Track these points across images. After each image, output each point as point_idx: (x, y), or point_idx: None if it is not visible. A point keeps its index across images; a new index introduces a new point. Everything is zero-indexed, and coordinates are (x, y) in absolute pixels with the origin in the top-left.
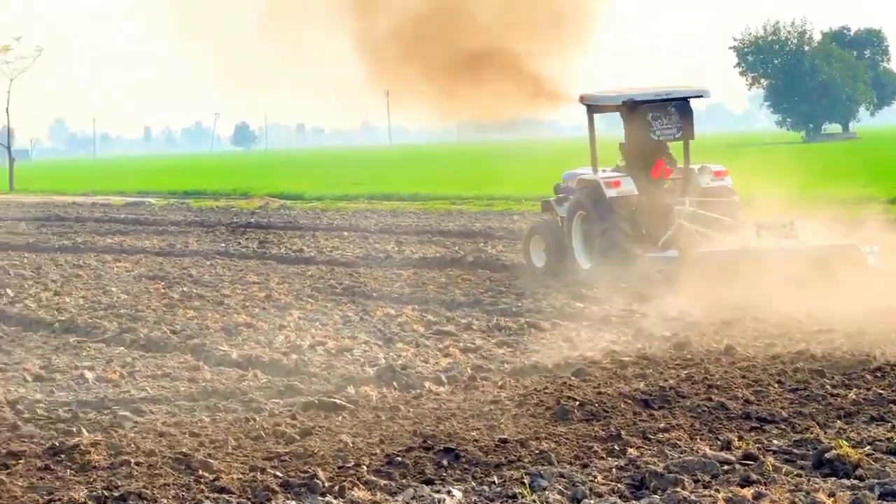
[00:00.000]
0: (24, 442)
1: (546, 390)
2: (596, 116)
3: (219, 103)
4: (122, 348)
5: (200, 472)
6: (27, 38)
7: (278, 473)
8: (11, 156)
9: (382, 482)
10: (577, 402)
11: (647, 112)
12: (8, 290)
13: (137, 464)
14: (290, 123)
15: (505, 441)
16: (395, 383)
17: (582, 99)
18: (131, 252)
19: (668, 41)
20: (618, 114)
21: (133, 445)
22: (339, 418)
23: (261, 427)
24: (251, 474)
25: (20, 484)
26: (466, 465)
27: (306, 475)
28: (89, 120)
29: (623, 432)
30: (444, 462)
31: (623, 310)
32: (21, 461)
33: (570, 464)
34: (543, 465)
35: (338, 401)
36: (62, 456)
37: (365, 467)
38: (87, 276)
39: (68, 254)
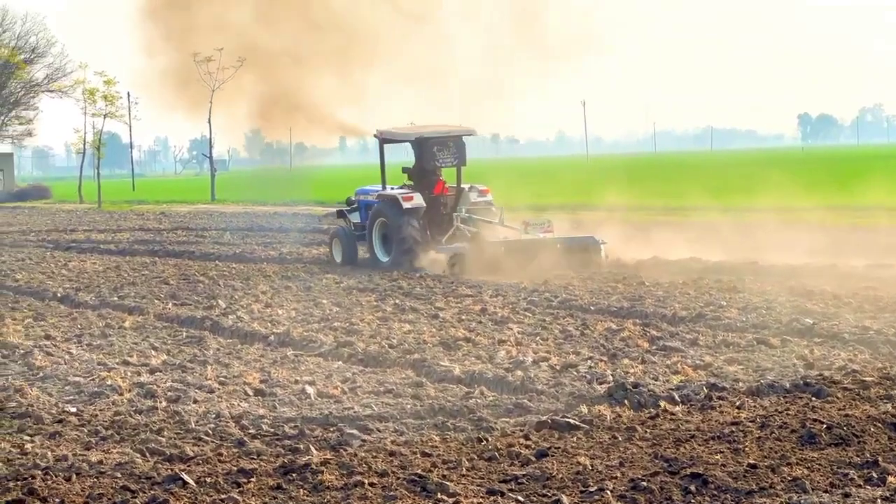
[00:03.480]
0: (253, 459)
1: (788, 412)
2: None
3: (416, 113)
4: (340, 363)
5: (438, 494)
6: (229, 49)
7: (519, 497)
8: (213, 166)
9: None
10: (824, 425)
11: (433, 145)
12: (220, 302)
13: (371, 485)
14: (486, 134)
15: (754, 466)
16: (627, 402)
17: (380, 133)
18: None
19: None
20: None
21: (364, 465)
22: (574, 439)
23: (494, 447)
24: (491, 498)
25: (254, 503)
26: (716, 492)
27: (549, 500)
28: (285, 130)
29: (879, 458)
30: (692, 488)
31: (855, 326)
32: (252, 479)
33: (827, 492)
34: (798, 493)
35: (571, 420)
36: (294, 475)
37: (609, 492)
38: (296, 287)
39: (275, 264)
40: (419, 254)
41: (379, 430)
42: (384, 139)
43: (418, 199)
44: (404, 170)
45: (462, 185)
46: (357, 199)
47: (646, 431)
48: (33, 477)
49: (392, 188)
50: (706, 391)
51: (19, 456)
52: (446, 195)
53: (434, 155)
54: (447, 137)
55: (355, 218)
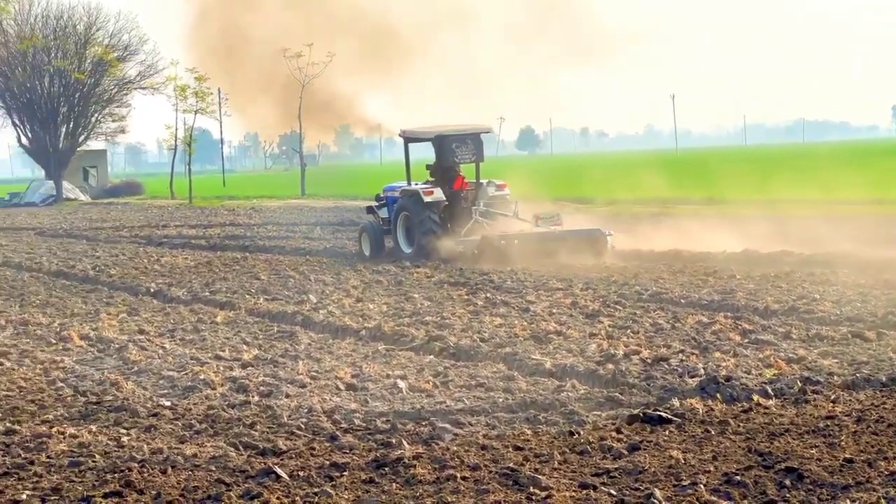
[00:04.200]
0: (345, 453)
1: (884, 405)
2: (410, 145)
3: (504, 108)
4: (431, 357)
5: (531, 488)
6: (319, 43)
7: (612, 491)
8: (303, 161)
9: (723, 503)
10: None
11: (451, 143)
12: (311, 297)
13: (464, 478)
14: (575, 127)
15: (850, 461)
16: (719, 395)
17: (403, 133)
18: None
19: None
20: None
21: (457, 459)
22: (667, 432)
23: (586, 441)
24: (583, 492)
25: (347, 497)
26: (811, 487)
27: (641, 494)
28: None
29: None
30: (787, 482)
31: None
32: (345, 473)
33: None
34: None
35: (663, 414)
36: (386, 469)
37: (702, 486)
38: (387, 281)
39: (365, 259)
40: (439, 244)
41: (471, 424)
42: (407, 138)
43: (438, 194)
44: (427, 167)
45: (480, 181)
46: (385, 195)
47: (739, 425)
48: (130, 469)
49: (416, 184)
50: (800, 385)
51: (116, 449)
52: (465, 190)
53: (453, 152)
54: (465, 135)
55: (383, 213)
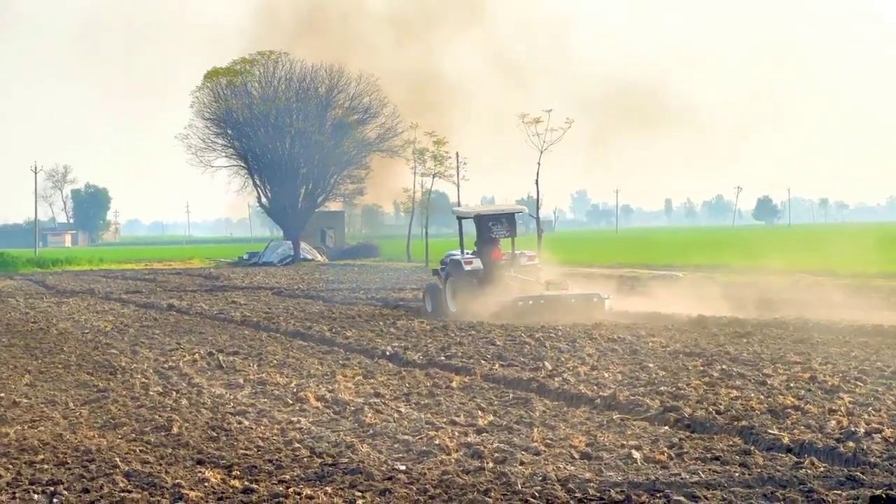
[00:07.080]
0: None
1: None
2: (463, 221)
3: (742, 177)
4: (666, 427)
5: None
6: (558, 110)
7: None
8: (540, 226)
9: None
10: None
11: (488, 221)
12: (546, 364)
13: None
14: (814, 198)
15: None
16: None
17: (454, 211)
18: (665, 325)
19: None
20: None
21: None
22: None
23: None
24: None
25: None
26: None
27: None
28: (611, 192)
29: None
30: None
31: None
32: None
33: None
34: None
35: None
36: None
37: None
38: (622, 350)
39: (601, 327)
40: (475, 305)
41: (706, 498)
42: (458, 216)
43: (476, 263)
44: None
45: (515, 252)
46: (445, 260)
47: None
48: None
49: (465, 253)
50: None
51: None
52: (501, 259)
53: (489, 228)
54: (500, 214)
55: (443, 276)
